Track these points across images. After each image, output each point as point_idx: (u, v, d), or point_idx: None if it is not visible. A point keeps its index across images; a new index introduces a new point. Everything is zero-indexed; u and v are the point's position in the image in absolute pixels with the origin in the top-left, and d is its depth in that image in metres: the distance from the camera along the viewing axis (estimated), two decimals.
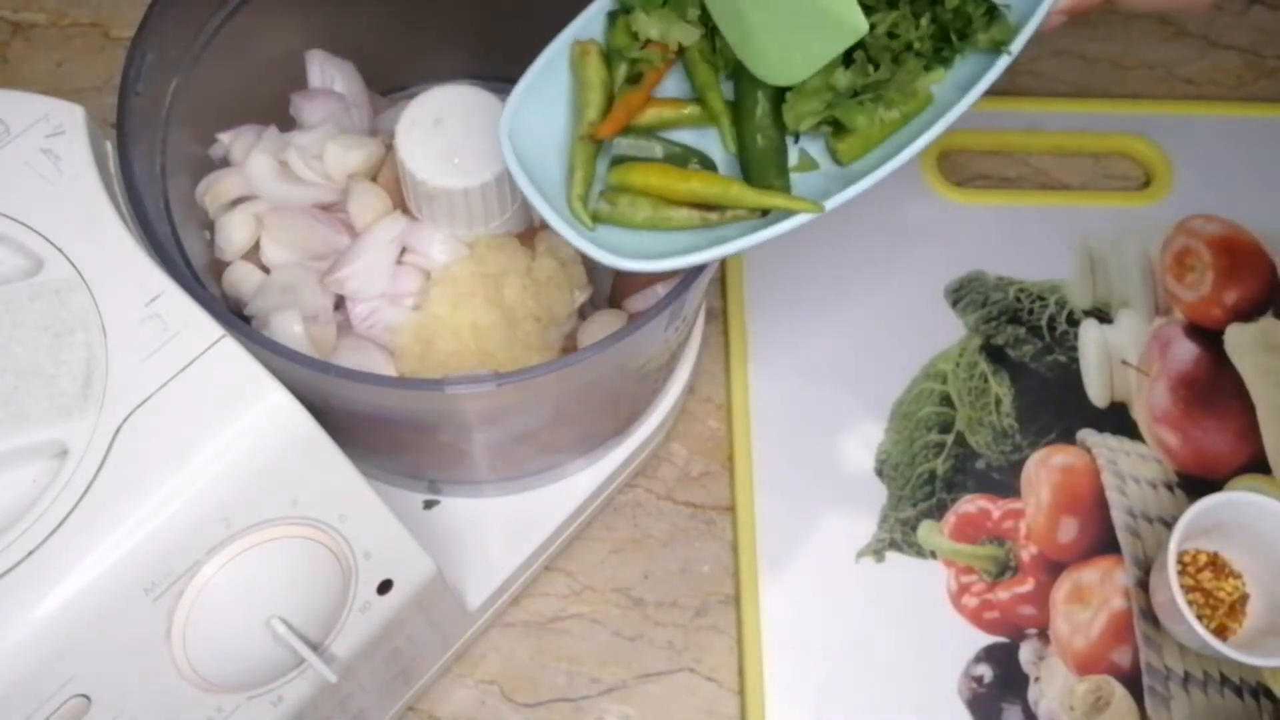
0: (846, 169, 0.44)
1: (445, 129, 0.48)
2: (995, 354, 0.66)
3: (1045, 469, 0.63)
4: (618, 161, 0.44)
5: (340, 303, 0.51)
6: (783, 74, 0.41)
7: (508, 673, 0.59)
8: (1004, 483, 0.63)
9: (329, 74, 0.56)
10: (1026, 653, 0.59)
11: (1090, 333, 0.67)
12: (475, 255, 0.50)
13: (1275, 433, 0.65)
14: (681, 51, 0.44)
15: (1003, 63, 0.43)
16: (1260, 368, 0.66)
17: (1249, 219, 0.71)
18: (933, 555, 0.61)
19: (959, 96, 0.42)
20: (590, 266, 0.52)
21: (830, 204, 0.42)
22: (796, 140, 0.45)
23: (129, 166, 0.43)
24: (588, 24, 0.45)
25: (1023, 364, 0.66)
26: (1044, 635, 0.60)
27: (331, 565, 0.42)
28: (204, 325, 0.40)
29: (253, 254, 0.52)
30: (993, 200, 0.71)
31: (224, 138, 0.54)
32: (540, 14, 0.46)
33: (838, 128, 0.43)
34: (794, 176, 0.44)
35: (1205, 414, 0.65)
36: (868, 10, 0.39)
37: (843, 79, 0.41)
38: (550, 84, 0.45)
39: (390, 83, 0.59)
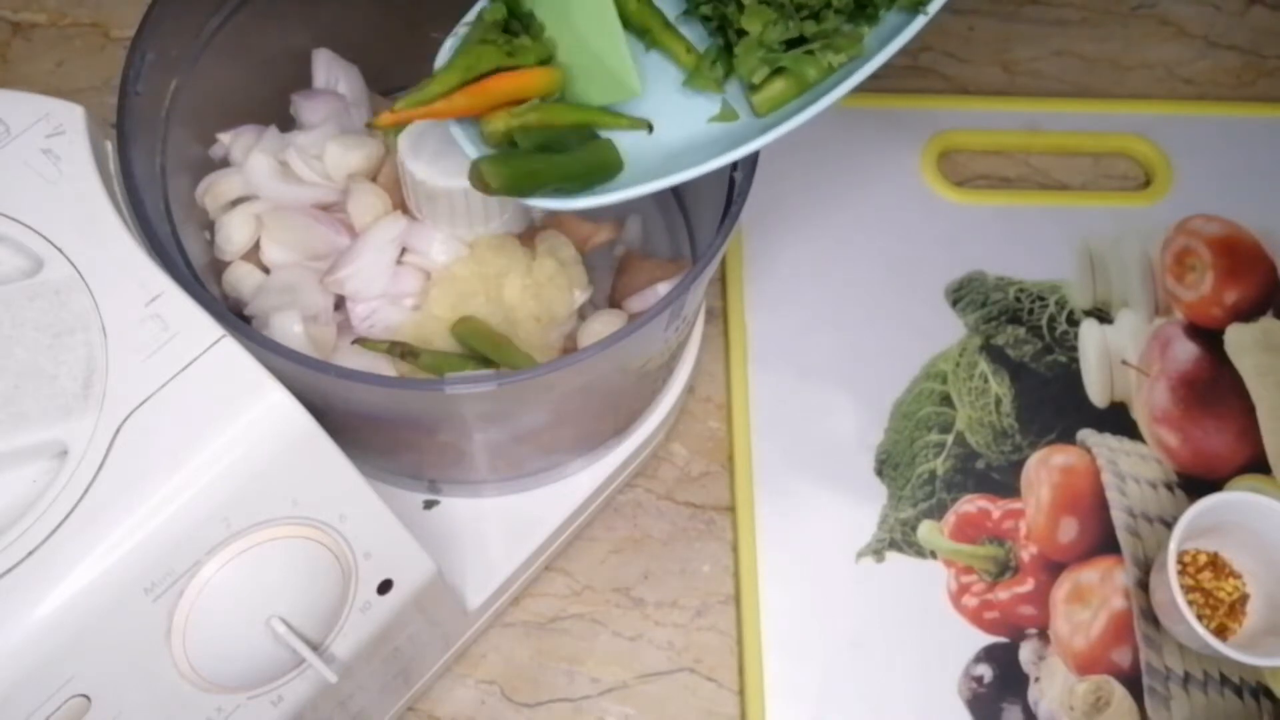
0: (764, 120, 0.45)
1: (445, 129, 0.48)
2: (995, 354, 0.66)
3: (1045, 469, 0.63)
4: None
5: (340, 303, 0.51)
6: (591, 99, 0.44)
7: (508, 673, 0.59)
8: (1004, 483, 0.63)
9: (334, 74, 0.56)
10: (1026, 653, 0.59)
11: (1090, 333, 0.67)
12: (475, 255, 0.50)
13: (1275, 432, 0.65)
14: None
15: (919, 23, 0.44)
16: (1260, 368, 0.66)
17: (1249, 219, 0.71)
18: (933, 555, 0.61)
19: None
20: (590, 266, 0.52)
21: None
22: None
23: (129, 166, 0.43)
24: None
25: (1023, 364, 0.66)
26: (1044, 635, 0.60)
27: (331, 565, 0.42)
28: (204, 325, 0.40)
29: (253, 254, 0.52)
30: (993, 200, 0.71)
31: (224, 138, 0.54)
32: None
33: (753, 84, 0.45)
34: (714, 126, 0.45)
35: (1205, 414, 0.65)
36: None
37: (773, 33, 0.43)
38: None
39: (390, 83, 0.59)
